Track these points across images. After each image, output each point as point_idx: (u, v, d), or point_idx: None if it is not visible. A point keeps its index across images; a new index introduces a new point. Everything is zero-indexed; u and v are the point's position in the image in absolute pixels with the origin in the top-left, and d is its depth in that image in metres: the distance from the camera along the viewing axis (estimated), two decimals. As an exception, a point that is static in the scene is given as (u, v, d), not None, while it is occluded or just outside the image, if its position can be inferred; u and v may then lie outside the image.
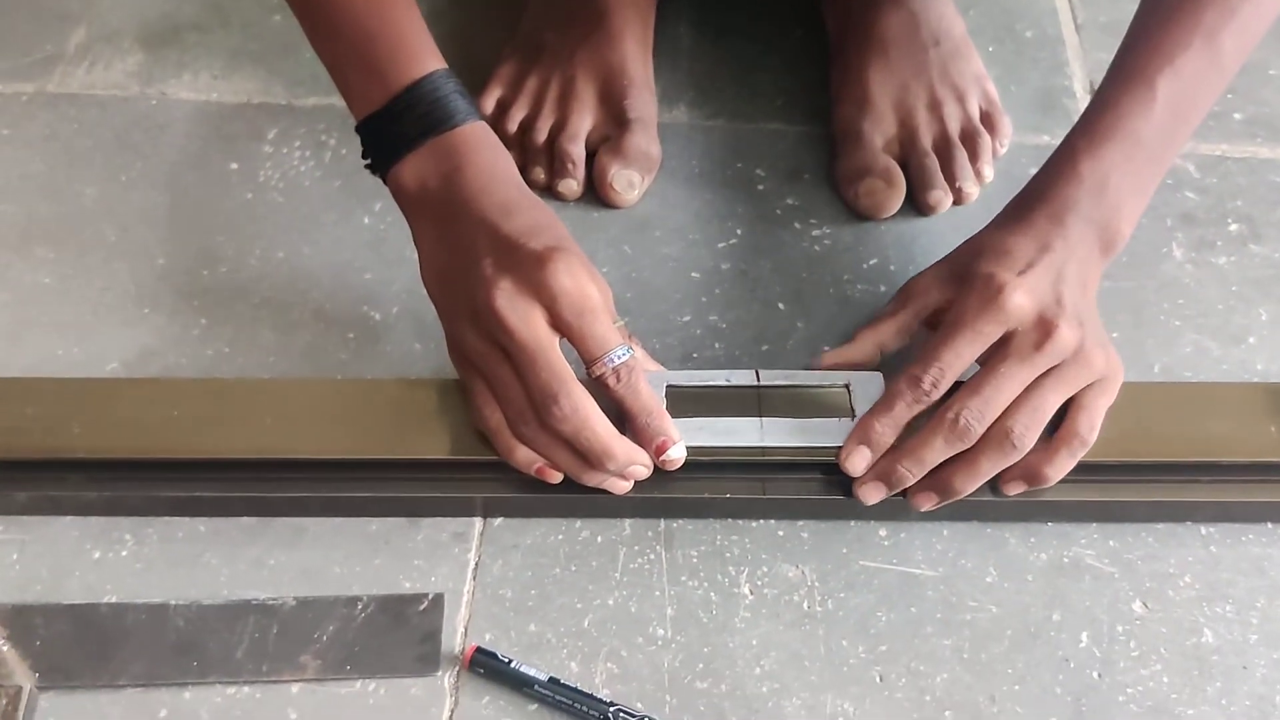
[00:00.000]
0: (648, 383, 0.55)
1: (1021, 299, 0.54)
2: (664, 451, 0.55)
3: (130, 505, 0.57)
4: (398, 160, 0.57)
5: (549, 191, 0.72)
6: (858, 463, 0.56)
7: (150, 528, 0.58)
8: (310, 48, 0.59)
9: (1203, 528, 0.59)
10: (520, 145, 0.73)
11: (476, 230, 0.55)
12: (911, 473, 0.55)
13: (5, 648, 0.53)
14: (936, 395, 0.55)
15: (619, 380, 0.54)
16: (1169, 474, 0.59)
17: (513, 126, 0.73)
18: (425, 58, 0.57)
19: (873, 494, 0.56)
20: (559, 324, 0.53)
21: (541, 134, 0.72)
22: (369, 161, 0.59)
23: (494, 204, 0.56)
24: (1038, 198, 0.58)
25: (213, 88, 0.78)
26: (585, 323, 0.53)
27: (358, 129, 0.58)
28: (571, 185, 0.71)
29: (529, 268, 0.53)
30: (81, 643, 0.54)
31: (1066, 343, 0.53)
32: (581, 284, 0.53)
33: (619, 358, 0.54)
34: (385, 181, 0.59)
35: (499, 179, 0.57)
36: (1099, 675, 0.54)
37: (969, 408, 0.54)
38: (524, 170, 0.73)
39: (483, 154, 0.57)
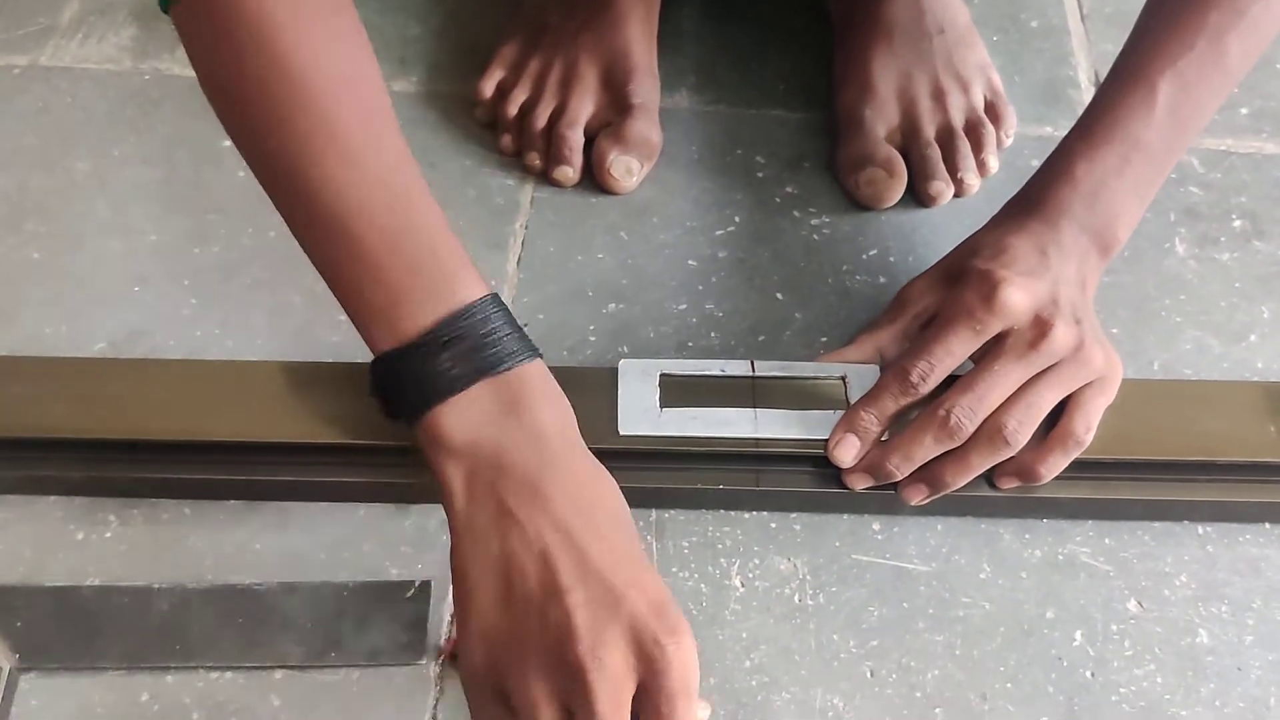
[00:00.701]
0: None
1: (1018, 296, 0.53)
2: None
3: (115, 486, 0.57)
4: (439, 402, 0.46)
5: (544, 178, 0.71)
6: (845, 451, 0.55)
7: (135, 509, 0.57)
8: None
9: (1200, 527, 0.59)
10: (518, 129, 0.72)
11: (556, 535, 0.44)
12: (900, 469, 0.55)
13: (-14, 628, 0.53)
14: (925, 389, 0.54)
15: None
16: (1166, 472, 0.58)
17: (513, 110, 0.72)
18: (471, 280, 0.48)
19: (860, 480, 0.56)
20: (645, 700, 0.43)
21: (541, 119, 0.71)
22: (388, 405, 0.49)
23: (572, 486, 0.45)
24: (1033, 200, 0.58)
25: (207, 64, 0.77)
26: (681, 701, 0.42)
27: (375, 365, 0.49)
28: (567, 172, 0.71)
29: (635, 629, 0.42)
30: (63, 624, 0.53)
31: (1063, 342, 0.53)
32: (693, 664, 0.43)
33: None
34: (414, 428, 0.48)
35: (570, 443, 0.47)
36: (1092, 674, 0.54)
37: (960, 405, 0.53)
38: (519, 155, 0.72)
39: (550, 405, 0.48)
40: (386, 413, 0.49)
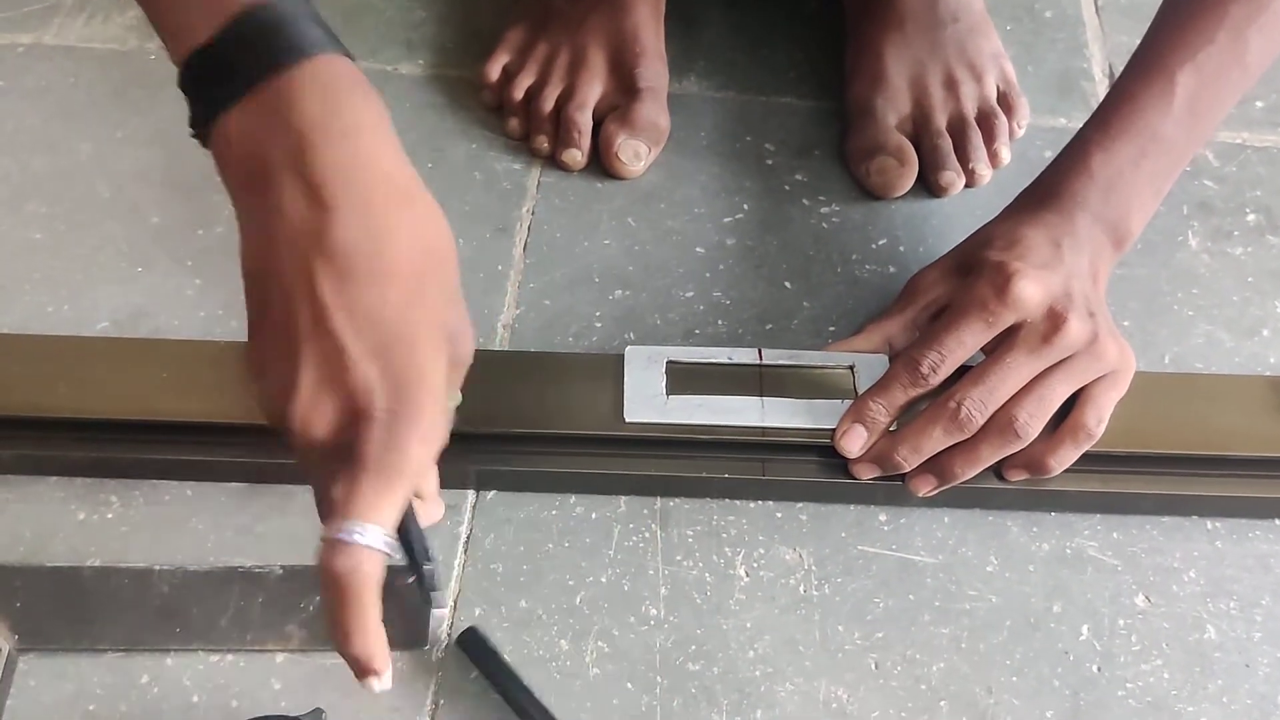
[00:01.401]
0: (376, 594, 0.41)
1: (1032, 288, 0.52)
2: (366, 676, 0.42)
3: (117, 467, 0.56)
4: (222, 112, 0.40)
5: (553, 161, 0.71)
6: (853, 442, 0.55)
7: (137, 490, 0.57)
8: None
9: (1209, 522, 0.58)
10: (525, 113, 0.72)
11: (318, 280, 0.39)
12: (908, 461, 0.54)
13: (-15, 608, 0.52)
14: (935, 381, 0.54)
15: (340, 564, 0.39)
16: (1176, 466, 0.57)
17: (519, 94, 0.71)
18: None
19: (867, 470, 0.56)
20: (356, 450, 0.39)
21: (548, 102, 0.71)
22: (193, 129, 0.43)
23: (357, 212, 0.39)
24: (1047, 191, 0.57)
25: (213, 44, 0.76)
26: (366, 481, 0.38)
27: (180, 80, 0.42)
28: (576, 155, 0.70)
29: (354, 402, 0.39)
30: (63, 605, 0.53)
31: (1076, 336, 0.52)
32: (398, 444, 0.39)
33: (357, 535, 0.38)
34: (211, 144, 0.42)
35: (364, 157, 0.40)
36: (1099, 669, 0.53)
37: (971, 397, 0.53)
38: (527, 139, 0.71)
39: (337, 102, 0.40)
40: (198, 138, 0.43)
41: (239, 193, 0.42)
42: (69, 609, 0.53)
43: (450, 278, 0.42)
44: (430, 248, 0.41)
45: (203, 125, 0.42)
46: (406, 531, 0.44)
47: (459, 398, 0.45)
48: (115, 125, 0.72)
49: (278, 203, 0.40)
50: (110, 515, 0.56)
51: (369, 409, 0.39)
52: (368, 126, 0.41)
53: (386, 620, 0.53)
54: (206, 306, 0.64)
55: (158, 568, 0.54)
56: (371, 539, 0.38)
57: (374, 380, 0.39)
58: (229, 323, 0.63)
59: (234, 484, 0.57)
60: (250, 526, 0.56)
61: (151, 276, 0.65)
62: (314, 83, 0.40)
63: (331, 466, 0.39)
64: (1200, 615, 0.55)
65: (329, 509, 0.39)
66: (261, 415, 0.41)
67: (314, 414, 0.39)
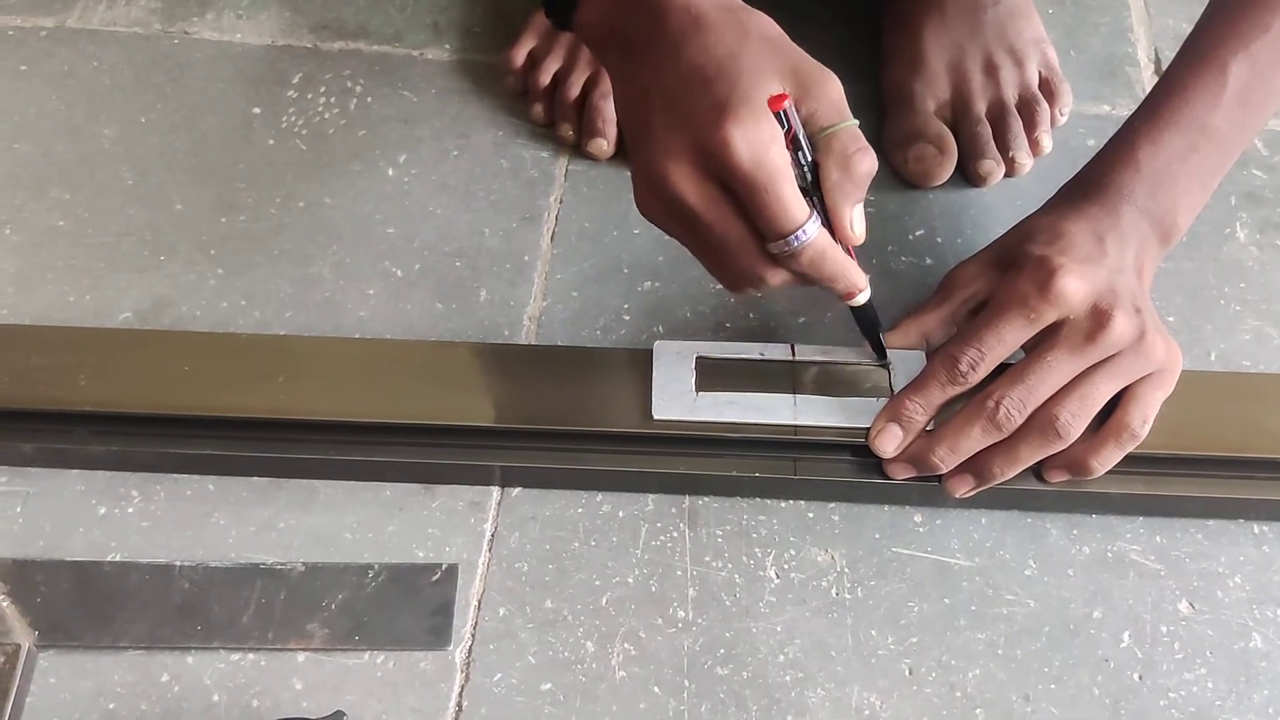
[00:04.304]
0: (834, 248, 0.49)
1: (1075, 285, 0.50)
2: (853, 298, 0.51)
3: (138, 461, 0.56)
4: (580, 3, 0.51)
5: (578, 150, 0.69)
6: (888, 442, 0.53)
7: (158, 485, 0.56)
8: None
9: (1256, 526, 0.56)
10: (550, 100, 0.70)
11: (653, 70, 0.48)
12: (945, 461, 0.53)
13: (5, 604, 0.52)
14: (974, 379, 0.52)
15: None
16: (1222, 469, 0.56)
17: (545, 79, 0.70)
18: None
19: (901, 470, 0.54)
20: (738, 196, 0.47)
21: (574, 89, 0.69)
22: (554, 18, 0.53)
23: (682, 25, 0.48)
24: (1093, 184, 0.55)
25: (236, 28, 0.75)
26: (762, 199, 0.46)
27: None
28: (602, 145, 0.68)
29: (699, 132, 0.46)
30: (83, 601, 0.52)
31: (1121, 334, 0.51)
32: (754, 145, 0.45)
33: (803, 237, 0.47)
34: (574, 30, 0.52)
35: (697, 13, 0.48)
36: (1140, 677, 0.52)
37: (1010, 396, 0.51)
38: (551, 126, 0.70)
39: None
40: (561, 26, 0.52)
41: (610, 55, 0.51)
42: (89, 605, 0.52)
43: (771, 41, 0.48)
44: (746, 28, 0.48)
45: (563, 14, 0.51)
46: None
47: (852, 119, 0.48)
48: (139, 110, 0.71)
49: (636, 54, 0.49)
50: (131, 510, 0.55)
51: (702, 131, 0.46)
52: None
53: (411, 615, 0.52)
54: (229, 296, 0.63)
55: (179, 564, 0.53)
56: (810, 231, 0.47)
57: (706, 109, 0.46)
58: (252, 313, 0.62)
59: (256, 479, 0.56)
60: (272, 522, 0.55)
61: (174, 265, 0.64)
62: None
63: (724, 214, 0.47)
64: (1245, 622, 0.54)
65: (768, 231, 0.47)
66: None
67: (671, 160, 0.46)
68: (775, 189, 0.46)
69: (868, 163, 0.48)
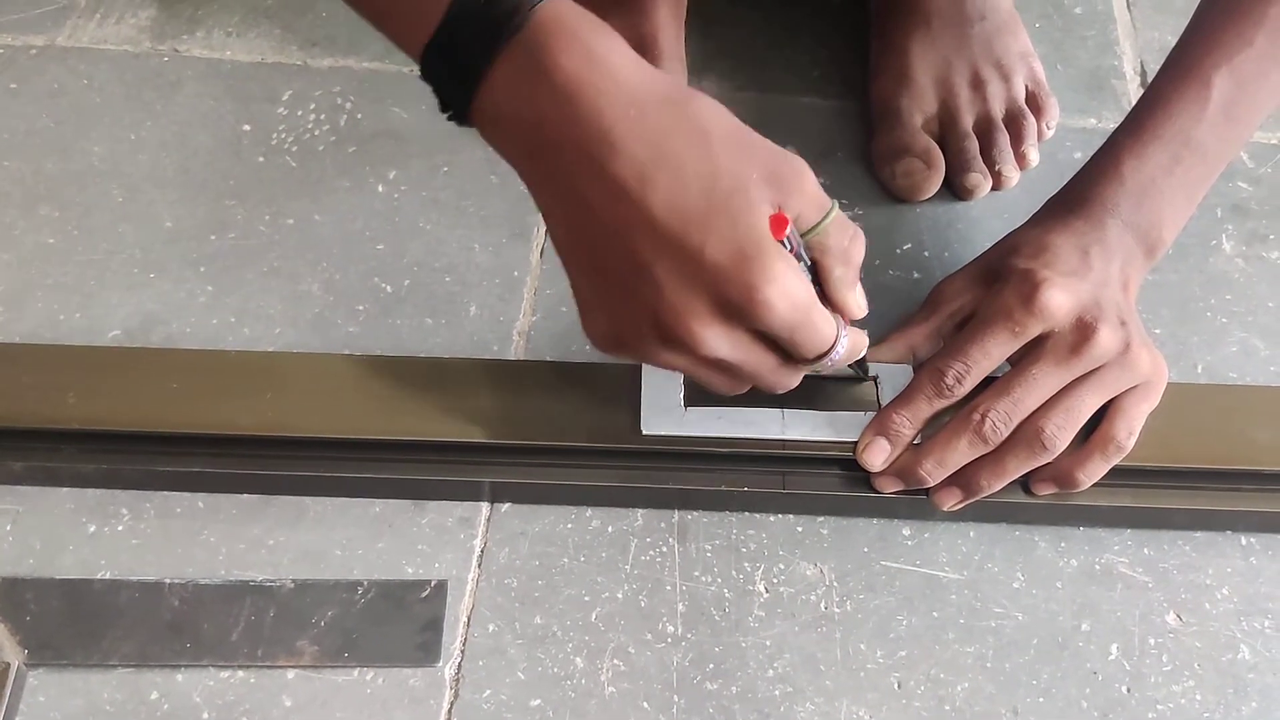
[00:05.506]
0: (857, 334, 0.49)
1: (1060, 298, 0.51)
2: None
3: (128, 478, 0.56)
4: (475, 90, 0.42)
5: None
6: (875, 455, 0.53)
7: (148, 502, 0.56)
8: (324, 4, 0.54)
9: (1243, 538, 0.57)
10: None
11: (618, 199, 0.42)
12: (932, 475, 0.53)
13: (-6, 623, 0.52)
14: (960, 393, 0.53)
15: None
16: (1209, 481, 0.56)
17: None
18: None
19: (889, 484, 0.54)
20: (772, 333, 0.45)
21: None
22: (449, 111, 0.44)
23: (624, 136, 0.41)
24: (1078, 197, 0.56)
25: (226, 45, 0.75)
26: (801, 336, 0.45)
27: (422, 71, 0.44)
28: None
29: (725, 289, 0.42)
30: (73, 619, 0.52)
31: (1106, 347, 0.51)
32: (791, 295, 0.43)
33: (839, 353, 0.47)
34: (474, 125, 0.44)
35: (609, 88, 0.41)
36: (1128, 690, 0.52)
37: (996, 409, 0.51)
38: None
39: (575, 50, 0.41)
40: (456, 119, 0.45)
41: (524, 162, 0.44)
42: (79, 623, 0.52)
43: (735, 140, 0.43)
44: (705, 128, 0.42)
45: (460, 105, 0.43)
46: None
47: (832, 206, 0.46)
48: (128, 128, 0.71)
49: (571, 168, 0.42)
50: (121, 527, 0.55)
51: (728, 287, 0.42)
52: (609, 53, 0.42)
53: (401, 632, 0.52)
54: (219, 313, 0.63)
55: (168, 581, 0.53)
56: (843, 341, 0.47)
57: (722, 259, 0.42)
58: (241, 330, 0.62)
59: (246, 496, 0.56)
60: (262, 539, 0.55)
61: (164, 282, 0.64)
62: (551, 36, 0.41)
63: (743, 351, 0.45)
64: (1234, 634, 0.54)
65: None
66: (662, 363, 0.46)
67: (697, 323, 0.43)
68: (812, 323, 0.44)
69: (862, 245, 0.47)
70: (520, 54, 0.41)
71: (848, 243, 0.46)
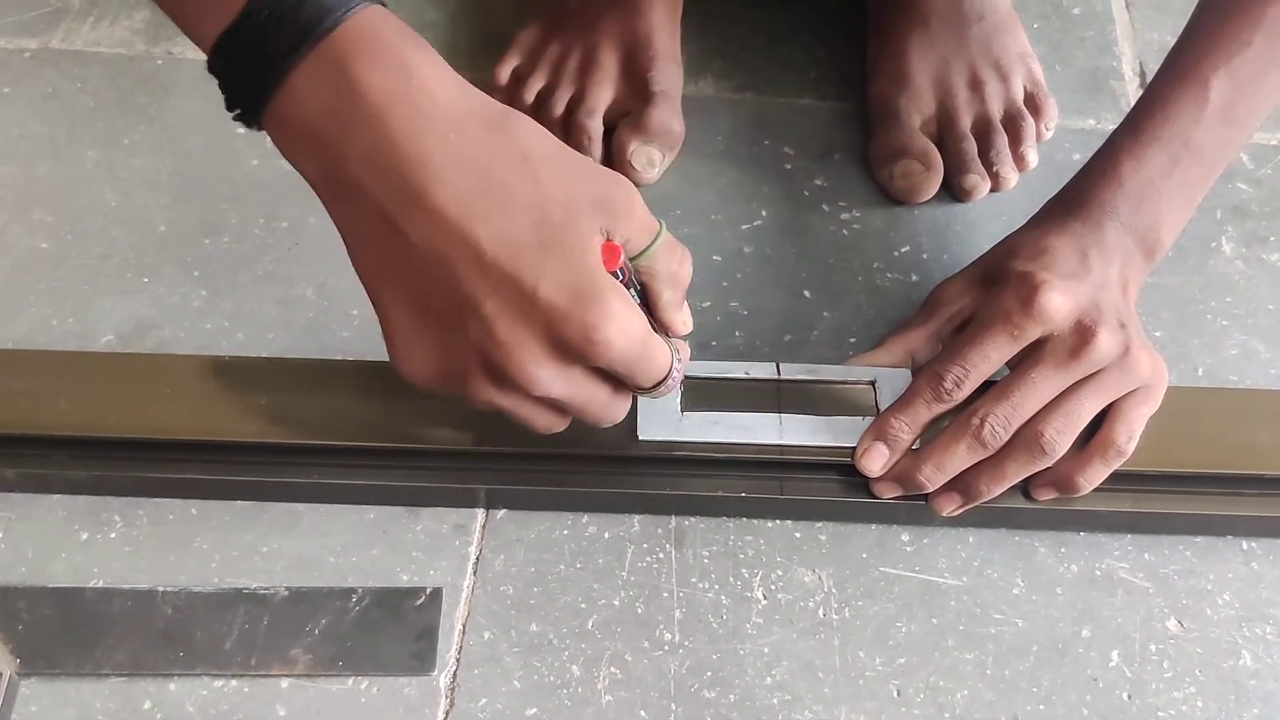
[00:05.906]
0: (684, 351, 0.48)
1: (1059, 300, 0.50)
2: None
3: (120, 485, 0.55)
4: (271, 93, 0.39)
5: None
6: (874, 461, 0.53)
7: (140, 509, 0.55)
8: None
9: (1244, 543, 0.56)
10: (535, 117, 0.70)
11: (440, 231, 0.39)
12: (931, 480, 0.53)
13: (-15, 632, 0.51)
14: (959, 397, 0.52)
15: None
16: (1210, 485, 0.55)
17: (529, 97, 0.70)
18: None
19: (888, 489, 0.54)
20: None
21: (558, 106, 0.69)
22: (236, 110, 0.41)
23: (441, 161, 0.39)
24: (1076, 199, 0.55)
25: (221, 48, 0.75)
26: (639, 368, 0.43)
27: (210, 62, 0.40)
28: (586, 162, 0.67)
29: (560, 329, 0.40)
30: (65, 628, 0.52)
31: (1106, 350, 0.50)
32: (628, 332, 0.41)
33: (675, 379, 0.46)
34: (265, 129, 0.41)
35: (423, 107, 0.39)
36: (1129, 697, 0.52)
37: (995, 413, 0.51)
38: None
39: (383, 66, 0.38)
40: (244, 121, 0.41)
41: (323, 181, 0.41)
42: (71, 631, 0.52)
43: (561, 165, 0.42)
44: (528, 153, 0.41)
45: (252, 105, 0.40)
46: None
47: (660, 228, 0.45)
48: (122, 131, 0.71)
49: (382, 195, 0.39)
50: (113, 535, 0.55)
51: (564, 327, 0.40)
52: (426, 70, 0.39)
53: (395, 640, 0.52)
54: (213, 318, 0.62)
55: (161, 589, 0.53)
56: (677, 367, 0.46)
57: (558, 298, 0.40)
58: (235, 335, 0.62)
59: (239, 503, 0.56)
60: (256, 546, 0.55)
61: (158, 287, 0.64)
62: (362, 46, 0.38)
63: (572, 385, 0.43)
64: (1235, 640, 0.53)
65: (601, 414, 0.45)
66: (472, 403, 0.44)
67: (531, 363, 0.41)
68: (649, 355, 0.43)
69: (689, 265, 0.46)
70: (326, 62, 0.38)
71: (676, 266, 0.46)
